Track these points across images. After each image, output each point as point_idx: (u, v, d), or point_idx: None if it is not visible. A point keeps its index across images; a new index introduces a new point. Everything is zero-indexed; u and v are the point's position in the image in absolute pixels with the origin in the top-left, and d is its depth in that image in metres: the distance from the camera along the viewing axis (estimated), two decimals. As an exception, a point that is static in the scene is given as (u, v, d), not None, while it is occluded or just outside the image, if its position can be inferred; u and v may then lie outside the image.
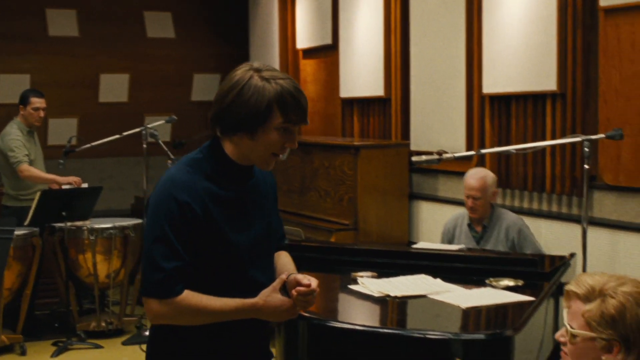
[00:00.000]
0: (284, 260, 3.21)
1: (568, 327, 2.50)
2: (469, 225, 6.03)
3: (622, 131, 4.95)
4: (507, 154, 6.31)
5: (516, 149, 5.17)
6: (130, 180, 10.69)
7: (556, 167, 6.12)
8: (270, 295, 2.90)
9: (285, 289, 2.95)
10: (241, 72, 2.85)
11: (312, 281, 2.92)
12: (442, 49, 7.27)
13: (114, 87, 10.66)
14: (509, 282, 4.34)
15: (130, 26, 10.66)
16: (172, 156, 7.10)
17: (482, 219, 5.95)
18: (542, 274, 4.55)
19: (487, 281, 4.39)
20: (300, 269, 3.16)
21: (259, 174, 3.02)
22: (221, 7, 11.06)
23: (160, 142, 7.31)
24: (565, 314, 2.56)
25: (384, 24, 7.96)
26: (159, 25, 10.78)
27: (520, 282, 4.35)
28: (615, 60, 5.66)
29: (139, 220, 7.83)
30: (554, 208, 6.25)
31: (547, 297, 4.20)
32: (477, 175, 5.93)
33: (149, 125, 7.43)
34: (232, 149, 2.89)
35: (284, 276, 2.96)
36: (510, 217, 5.96)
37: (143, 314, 7.58)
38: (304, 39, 9.61)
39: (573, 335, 2.48)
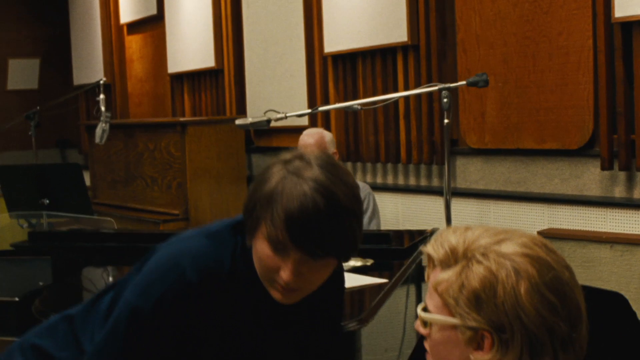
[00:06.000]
0: None
1: (419, 309, 1.62)
2: None
3: (486, 76, 4.09)
4: (354, 116, 5.54)
5: (361, 104, 4.24)
6: None
7: (411, 132, 5.30)
8: None
9: None
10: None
11: None
12: (278, 8, 6.46)
13: None
14: (356, 263, 3.41)
15: None
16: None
17: None
18: (397, 251, 3.63)
19: (327, 263, 3.45)
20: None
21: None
22: (36, -17, 9.94)
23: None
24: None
25: (213, -14, 7.06)
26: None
27: (369, 262, 3.42)
28: (474, 1, 4.97)
29: None
30: (412, 181, 5.46)
31: (403, 280, 3.29)
32: (312, 132, 5.05)
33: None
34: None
35: None
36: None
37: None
38: (127, 12, 8.64)
39: (425, 322, 1.60)
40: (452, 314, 1.54)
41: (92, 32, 9.10)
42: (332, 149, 4.98)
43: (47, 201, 5.66)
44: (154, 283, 2.00)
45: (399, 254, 3.64)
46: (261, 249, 1.89)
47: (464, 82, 4.09)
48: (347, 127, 5.79)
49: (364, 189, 5.06)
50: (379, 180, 5.66)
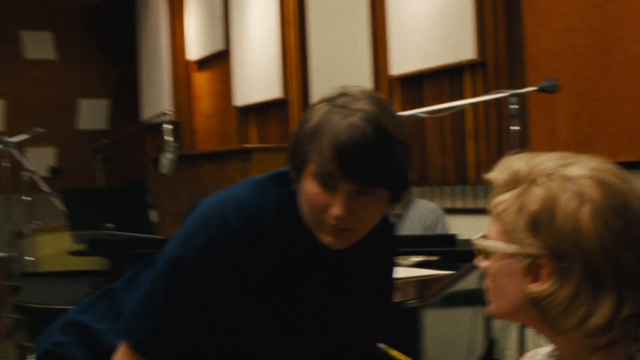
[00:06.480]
0: None
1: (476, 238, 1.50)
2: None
3: (557, 81, 3.95)
4: (420, 134, 5.35)
5: (427, 112, 4.13)
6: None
7: (479, 151, 5.13)
8: None
9: None
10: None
11: None
12: (344, 33, 6.37)
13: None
14: (419, 258, 3.28)
15: (5, 46, 9.50)
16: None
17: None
18: (462, 254, 3.47)
19: (392, 261, 3.32)
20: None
21: (363, 246, 1.93)
22: (106, 24, 9.96)
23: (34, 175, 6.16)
24: None
25: (279, 16, 7.05)
26: (38, 46, 9.64)
27: (434, 258, 3.29)
28: (543, 15, 4.78)
29: None
30: (481, 203, 5.24)
31: (467, 277, 3.12)
32: None
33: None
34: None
35: None
36: (427, 205, 4.92)
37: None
38: (195, 48, 8.68)
39: (486, 252, 1.46)
40: (510, 242, 1.42)
41: (160, 71, 9.12)
42: None
43: (112, 225, 5.59)
44: (197, 232, 1.90)
45: (465, 258, 3.49)
46: (309, 188, 1.80)
47: (534, 88, 3.96)
48: (413, 150, 5.66)
49: (434, 210, 4.90)
50: (447, 204, 5.49)
